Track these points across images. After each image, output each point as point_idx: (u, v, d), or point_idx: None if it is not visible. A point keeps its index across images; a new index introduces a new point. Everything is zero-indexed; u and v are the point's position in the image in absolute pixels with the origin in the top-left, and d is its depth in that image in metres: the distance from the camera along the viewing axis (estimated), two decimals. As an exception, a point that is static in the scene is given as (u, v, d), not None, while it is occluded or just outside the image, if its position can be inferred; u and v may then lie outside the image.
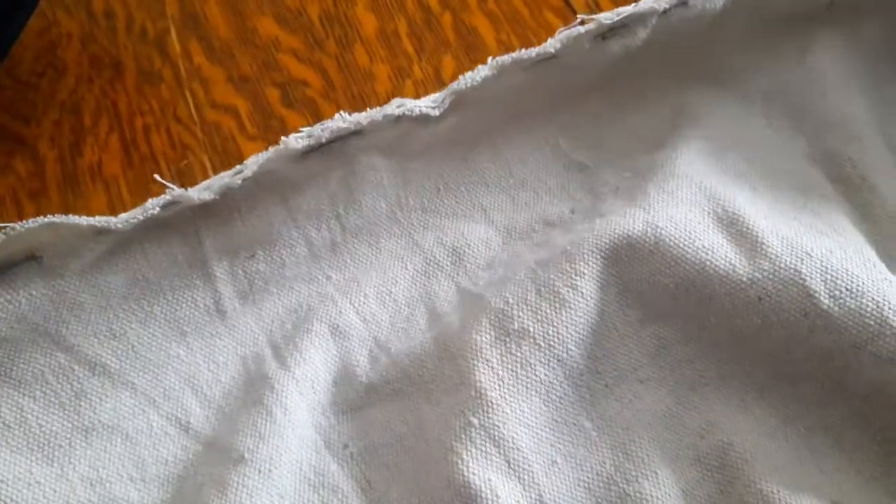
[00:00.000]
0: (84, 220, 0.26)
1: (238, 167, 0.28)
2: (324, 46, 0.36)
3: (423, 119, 0.29)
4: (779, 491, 0.24)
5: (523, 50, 0.29)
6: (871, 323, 0.25)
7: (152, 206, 0.27)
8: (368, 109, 0.29)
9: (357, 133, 0.29)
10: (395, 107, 0.29)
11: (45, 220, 0.26)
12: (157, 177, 0.28)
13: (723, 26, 0.32)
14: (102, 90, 0.35)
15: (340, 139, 0.29)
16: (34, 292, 0.27)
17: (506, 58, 0.29)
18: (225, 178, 0.28)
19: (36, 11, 0.35)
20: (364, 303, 0.28)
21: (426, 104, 0.29)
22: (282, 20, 0.37)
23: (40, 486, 0.25)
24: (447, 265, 0.29)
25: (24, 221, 0.26)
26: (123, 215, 0.27)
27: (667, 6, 0.30)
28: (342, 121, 0.28)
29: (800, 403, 0.26)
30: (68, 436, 0.26)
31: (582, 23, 0.30)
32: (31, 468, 0.25)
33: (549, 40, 0.29)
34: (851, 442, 0.25)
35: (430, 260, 0.29)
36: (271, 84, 0.35)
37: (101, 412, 0.26)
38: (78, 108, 0.35)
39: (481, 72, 0.29)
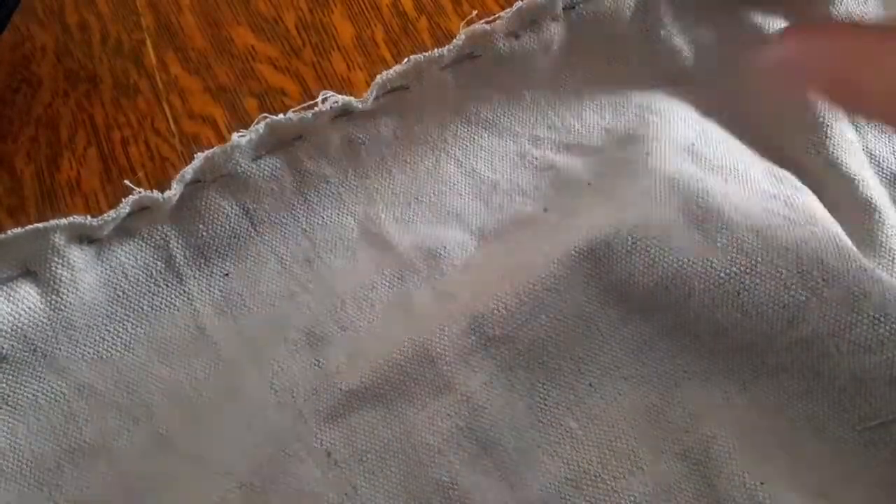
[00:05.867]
0: (65, 222, 0.27)
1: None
2: (301, 55, 0.36)
3: (360, 119, 0.30)
4: (763, 483, 0.25)
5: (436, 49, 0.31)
6: (847, 312, 0.25)
7: (123, 205, 0.28)
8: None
9: (299, 137, 0.30)
10: (321, 100, 0.30)
11: (30, 227, 0.27)
12: (126, 182, 0.28)
13: (657, 21, 0.33)
14: (79, 104, 0.35)
15: (286, 144, 0.30)
16: (32, 306, 0.27)
17: (419, 56, 0.30)
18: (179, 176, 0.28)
19: (9, 26, 0.35)
20: (341, 309, 0.28)
21: (352, 98, 0.30)
22: (258, 29, 0.37)
23: None
24: (423, 269, 0.29)
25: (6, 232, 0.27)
26: (98, 217, 0.28)
27: (569, 5, 0.32)
28: (276, 117, 0.29)
29: (781, 395, 0.26)
30: (57, 459, 0.26)
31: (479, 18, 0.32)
32: (21, 494, 0.25)
33: (457, 37, 0.31)
34: (833, 432, 0.26)
35: (406, 264, 0.29)
36: (249, 93, 0.35)
37: (87, 433, 0.26)
38: (54, 122, 0.34)
39: (398, 68, 0.30)
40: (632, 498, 0.25)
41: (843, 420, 0.26)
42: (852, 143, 0.31)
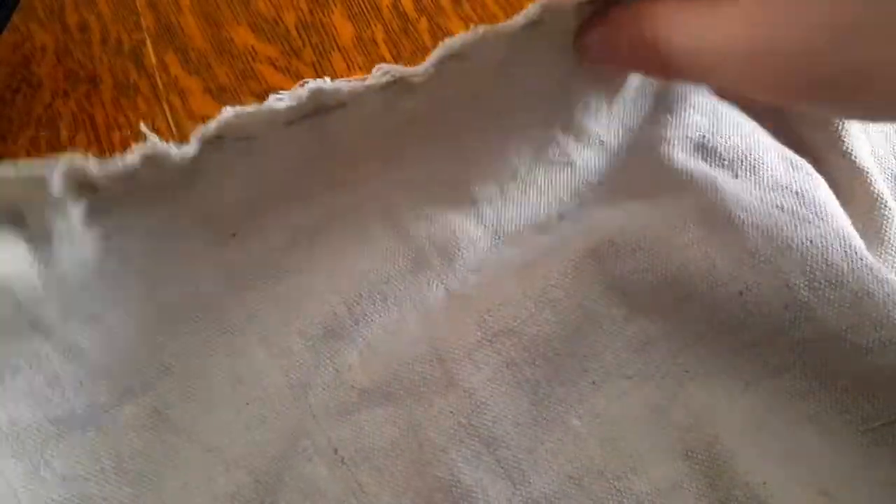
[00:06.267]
0: (63, 164, 0.22)
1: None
2: (301, 55, 0.36)
3: (407, 90, 0.27)
4: (766, 483, 0.24)
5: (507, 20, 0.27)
6: (850, 313, 0.25)
7: (134, 155, 0.23)
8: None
9: (336, 107, 0.26)
10: (381, 74, 0.26)
11: (24, 166, 0.22)
12: (142, 126, 0.25)
13: None
14: (79, 104, 0.35)
15: (321, 112, 0.26)
16: (18, 255, 0.23)
17: (487, 27, 0.26)
18: (199, 132, 0.24)
19: (9, 26, 0.35)
20: (355, 301, 0.27)
21: (410, 70, 0.26)
22: (258, 29, 0.37)
23: (9, 484, 0.23)
24: (437, 265, 0.29)
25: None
26: (103, 164, 0.23)
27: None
28: (324, 83, 0.25)
29: (784, 395, 0.26)
30: (41, 428, 0.24)
31: None
32: (3, 466, 0.23)
33: (530, 7, 0.26)
34: (836, 433, 0.26)
35: (420, 259, 0.29)
36: (249, 93, 0.35)
37: (75, 402, 0.24)
38: (54, 122, 0.34)
39: (463, 37, 0.26)
40: (634, 497, 0.25)
41: (845, 420, 0.26)
42: (861, 139, 0.31)
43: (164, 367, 0.26)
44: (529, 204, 0.30)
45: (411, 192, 0.29)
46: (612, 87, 0.31)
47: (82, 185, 0.24)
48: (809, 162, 0.30)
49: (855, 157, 0.30)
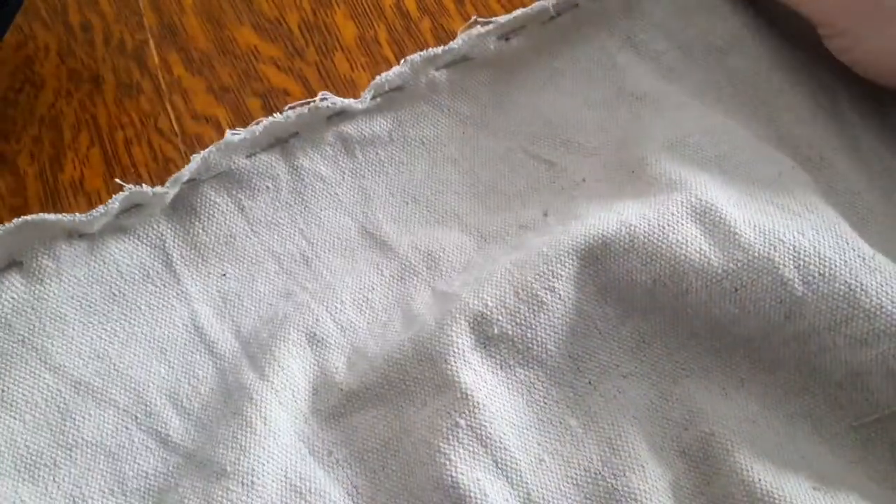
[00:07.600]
0: (54, 217, 0.28)
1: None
2: (304, 55, 0.36)
3: (354, 119, 0.32)
4: (761, 479, 0.25)
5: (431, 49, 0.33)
6: (844, 306, 0.25)
7: (113, 201, 0.29)
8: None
9: (295, 134, 0.31)
10: (320, 100, 0.31)
11: (19, 220, 0.28)
12: (117, 180, 0.29)
13: (643, 20, 0.34)
14: (82, 104, 0.35)
15: (282, 141, 0.31)
16: (15, 296, 0.28)
17: (415, 56, 0.32)
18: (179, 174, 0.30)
19: (12, 26, 0.35)
20: (341, 310, 0.29)
21: (350, 100, 0.31)
22: (261, 29, 0.37)
23: (23, 503, 0.25)
24: (422, 270, 0.30)
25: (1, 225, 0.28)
26: (87, 213, 0.29)
27: (556, 12, 0.34)
28: (274, 117, 0.31)
29: (778, 391, 0.26)
30: (53, 455, 0.26)
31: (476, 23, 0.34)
32: (17, 488, 0.26)
33: (455, 40, 0.33)
34: (829, 429, 0.26)
35: (405, 265, 0.30)
36: (252, 94, 0.35)
37: (85, 430, 0.27)
38: (57, 122, 0.35)
39: (396, 69, 0.32)
40: (632, 495, 0.25)
41: (839, 416, 0.26)
42: (838, 137, 0.31)
43: (164, 394, 0.28)
44: (512, 206, 0.31)
45: (390, 211, 0.31)
46: (588, 94, 0.33)
47: (72, 231, 0.29)
48: (790, 152, 0.30)
49: (834, 146, 0.30)
